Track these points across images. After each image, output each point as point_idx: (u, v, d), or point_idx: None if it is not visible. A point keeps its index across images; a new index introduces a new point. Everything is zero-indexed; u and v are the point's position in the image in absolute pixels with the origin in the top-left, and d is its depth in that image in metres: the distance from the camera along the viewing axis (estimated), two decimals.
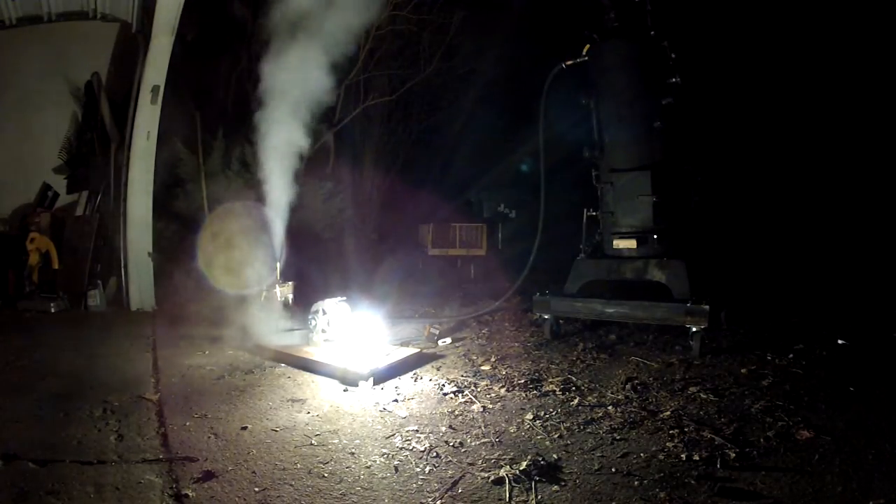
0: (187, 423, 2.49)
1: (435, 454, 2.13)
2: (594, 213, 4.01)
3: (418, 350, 3.56)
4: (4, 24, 5.84)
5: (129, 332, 4.47)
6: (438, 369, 3.32)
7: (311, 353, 3.51)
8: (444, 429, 2.38)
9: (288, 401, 2.81)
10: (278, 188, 4.09)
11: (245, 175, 5.71)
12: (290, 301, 4.13)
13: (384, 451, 2.18)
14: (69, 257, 5.76)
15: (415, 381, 3.10)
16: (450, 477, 1.95)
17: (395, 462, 2.08)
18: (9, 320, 5.01)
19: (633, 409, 2.52)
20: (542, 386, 2.89)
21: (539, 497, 1.80)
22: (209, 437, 2.34)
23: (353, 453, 2.17)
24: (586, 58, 3.86)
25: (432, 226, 7.88)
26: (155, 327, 4.66)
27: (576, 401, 2.66)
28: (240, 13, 6.46)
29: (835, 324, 3.80)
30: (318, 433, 2.38)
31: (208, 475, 1.98)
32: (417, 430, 2.37)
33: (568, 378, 3.01)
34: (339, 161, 7.34)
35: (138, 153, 5.60)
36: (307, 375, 3.25)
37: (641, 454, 2.08)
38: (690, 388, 2.75)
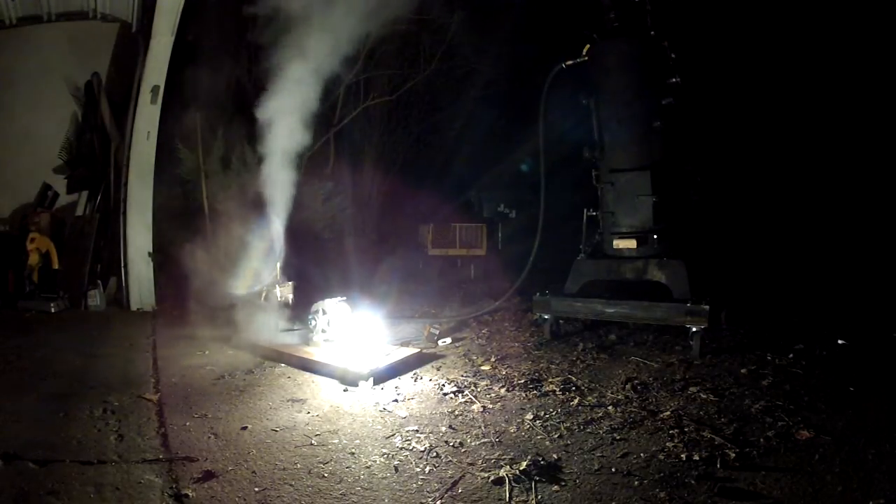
0: (187, 423, 2.49)
1: (435, 454, 2.13)
2: (594, 213, 4.01)
3: (418, 350, 3.56)
4: (4, 24, 5.84)
5: (129, 332, 4.47)
6: (438, 369, 3.32)
7: (311, 353, 3.51)
8: (444, 429, 2.38)
9: (288, 401, 2.81)
10: (278, 188, 4.09)
11: (245, 175, 5.71)
12: (290, 301, 4.13)
13: (384, 451, 2.18)
14: (69, 257, 5.76)
15: (415, 381, 3.10)
16: (450, 477, 1.95)
17: (395, 462, 2.08)
18: (9, 320, 5.01)
19: (633, 409, 2.52)
20: (542, 386, 2.89)
21: (539, 497, 1.80)
22: (209, 437, 2.34)
23: (353, 453, 2.17)
24: (586, 58, 3.86)
25: (432, 226, 7.87)
26: (155, 327, 4.67)
27: (576, 401, 2.66)
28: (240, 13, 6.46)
29: (835, 324, 3.80)
30: (318, 433, 2.38)
31: (208, 475, 1.98)
32: (417, 430, 2.37)
33: (568, 378, 3.01)
34: (339, 161, 7.33)
35: (138, 153, 5.60)
36: (307, 375, 3.25)
37: (641, 454, 2.08)
38: (690, 388, 2.75)
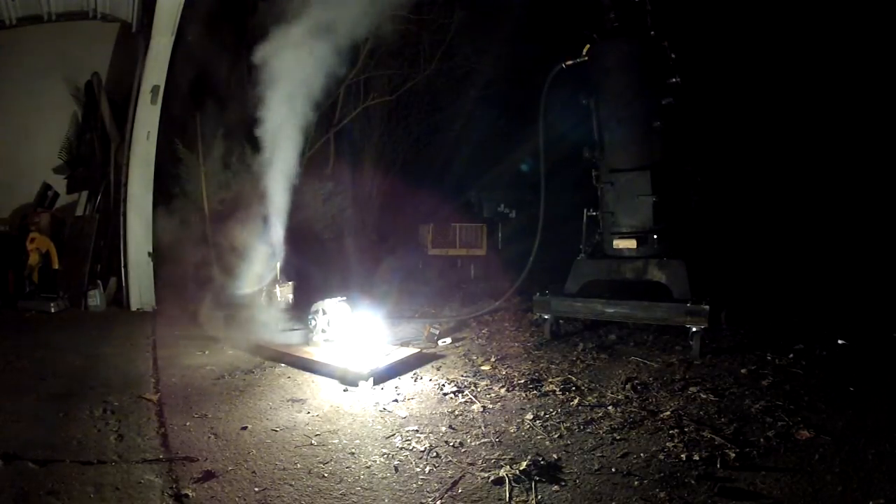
0: (187, 423, 2.49)
1: (435, 454, 2.13)
2: (594, 213, 4.01)
3: (418, 350, 3.56)
4: (4, 24, 5.83)
5: (129, 332, 4.47)
6: (438, 369, 3.32)
7: (311, 353, 3.51)
8: (444, 429, 2.38)
9: (288, 401, 2.81)
10: (278, 188, 4.09)
11: (245, 175, 5.71)
12: (290, 301, 4.13)
13: (384, 451, 2.18)
14: (69, 257, 5.75)
15: (415, 381, 3.10)
16: (450, 477, 1.95)
17: (395, 462, 2.08)
18: (9, 320, 5.00)
19: (633, 409, 2.52)
20: (542, 386, 2.89)
21: (539, 497, 1.80)
22: (209, 437, 2.34)
23: (353, 453, 2.17)
24: (586, 58, 3.86)
25: (432, 226, 7.87)
26: (155, 327, 4.66)
27: (576, 401, 2.66)
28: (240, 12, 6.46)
29: (835, 324, 3.80)
30: (318, 433, 2.38)
31: (208, 475, 1.98)
32: (417, 430, 2.37)
33: (568, 378, 3.01)
34: (339, 161, 7.33)
35: (138, 153, 5.60)
36: (307, 375, 3.25)
37: (641, 454, 2.08)
38: (690, 388, 2.75)
